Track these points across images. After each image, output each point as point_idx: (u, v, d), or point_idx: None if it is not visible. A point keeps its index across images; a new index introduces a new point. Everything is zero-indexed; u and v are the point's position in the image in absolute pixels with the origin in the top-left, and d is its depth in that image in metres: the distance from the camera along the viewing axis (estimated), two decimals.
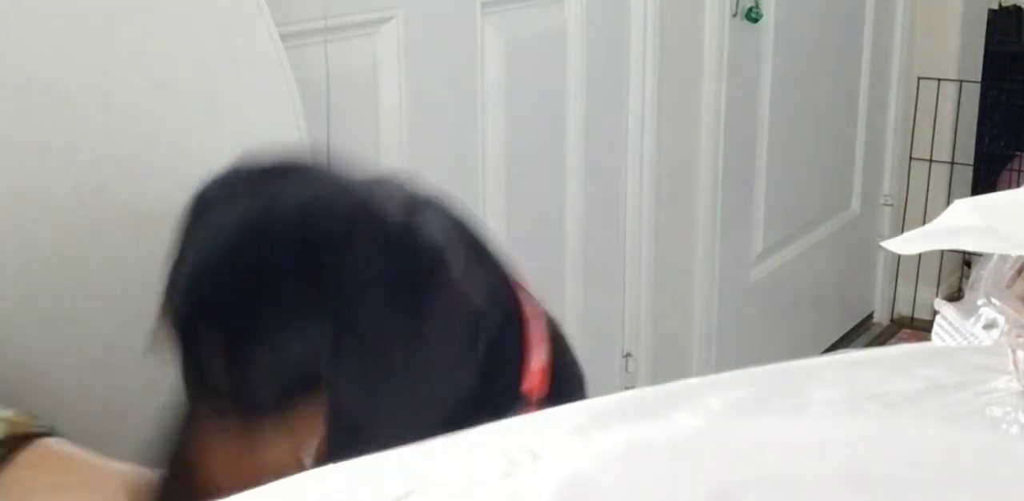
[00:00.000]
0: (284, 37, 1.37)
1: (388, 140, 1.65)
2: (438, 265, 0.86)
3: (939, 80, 2.99)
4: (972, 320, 0.85)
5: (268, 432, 0.86)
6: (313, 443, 0.86)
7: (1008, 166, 3.19)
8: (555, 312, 1.02)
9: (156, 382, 1.41)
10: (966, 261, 3.17)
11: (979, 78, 3.10)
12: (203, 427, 0.87)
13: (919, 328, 3.07)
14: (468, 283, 0.87)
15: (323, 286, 0.83)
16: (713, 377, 0.79)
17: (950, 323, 0.86)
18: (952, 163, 3.04)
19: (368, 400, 0.85)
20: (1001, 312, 0.83)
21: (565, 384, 0.98)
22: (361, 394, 0.84)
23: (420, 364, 0.86)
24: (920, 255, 2.72)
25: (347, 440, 0.82)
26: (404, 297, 0.84)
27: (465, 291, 0.87)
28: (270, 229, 0.86)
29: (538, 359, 0.94)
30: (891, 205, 3.08)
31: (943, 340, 0.86)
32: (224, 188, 0.92)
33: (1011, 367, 0.76)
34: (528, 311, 0.96)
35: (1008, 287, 0.84)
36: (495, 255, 0.96)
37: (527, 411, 0.90)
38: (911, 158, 3.07)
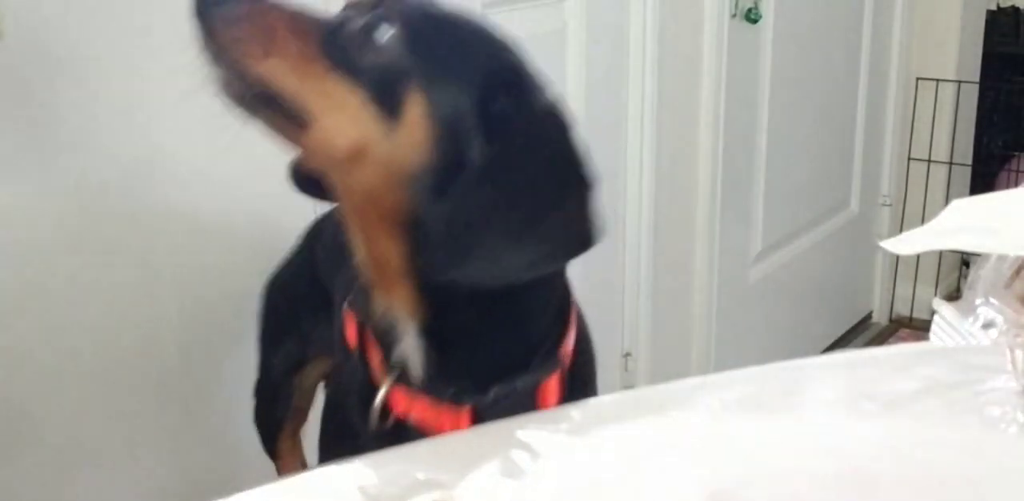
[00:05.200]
0: None
1: None
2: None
3: (938, 81, 2.99)
4: (970, 320, 0.85)
5: None
6: None
7: (1006, 166, 3.20)
8: None
9: (158, 371, 1.41)
10: (964, 261, 3.17)
11: (977, 79, 3.10)
12: None
13: (918, 328, 3.07)
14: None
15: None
16: (713, 377, 0.79)
17: (949, 323, 0.86)
18: (950, 163, 3.04)
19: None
20: (999, 312, 0.83)
21: (583, 367, 1.02)
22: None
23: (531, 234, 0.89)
24: (919, 255, 2.72)
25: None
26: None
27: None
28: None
29: (571, 336, 1.00)
30: (890, 205, 3.08)
31: (942, 340, 0.86)
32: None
33: (1009, 366, 0.76)
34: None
35: (1006, 287, 0.85)
36: None
37: (558, 375, 0.96)
38: (910, 158, 3.08)
